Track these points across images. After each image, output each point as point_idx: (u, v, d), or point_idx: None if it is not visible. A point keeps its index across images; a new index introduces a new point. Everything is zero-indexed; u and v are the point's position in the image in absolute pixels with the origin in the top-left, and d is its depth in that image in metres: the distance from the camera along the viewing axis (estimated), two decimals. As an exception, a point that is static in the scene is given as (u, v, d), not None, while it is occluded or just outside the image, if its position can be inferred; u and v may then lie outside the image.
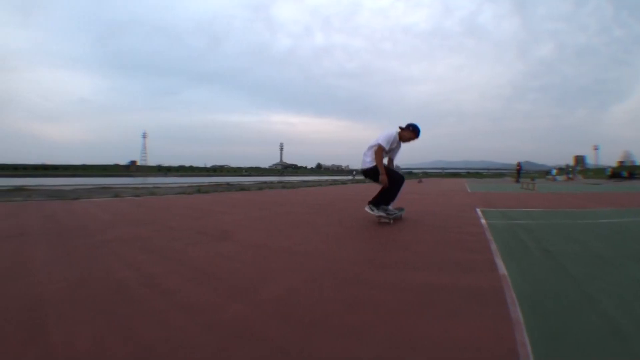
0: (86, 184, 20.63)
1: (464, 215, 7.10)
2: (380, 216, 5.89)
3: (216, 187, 16.67)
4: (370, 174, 5.89)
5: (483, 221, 6.05)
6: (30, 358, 1.74)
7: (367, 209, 5.98)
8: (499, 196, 13.01)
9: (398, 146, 6.08)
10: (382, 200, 5.88)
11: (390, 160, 6.17)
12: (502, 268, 3.11)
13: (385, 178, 5.62)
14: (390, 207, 5.96)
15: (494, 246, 4.00)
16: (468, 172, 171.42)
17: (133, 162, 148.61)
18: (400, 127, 5.96)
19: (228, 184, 20.82)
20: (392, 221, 5.80)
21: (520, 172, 34.71)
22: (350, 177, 44.17)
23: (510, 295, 2.43)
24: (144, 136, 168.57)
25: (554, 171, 53.37)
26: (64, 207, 8.31)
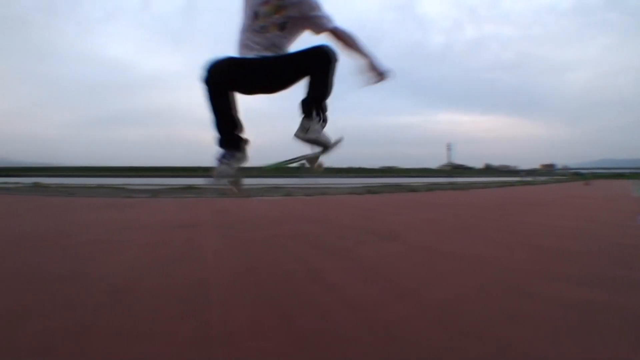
0: (257, 184, 22.41)
1: (633, 224, 6.38)
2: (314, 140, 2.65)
3: (386, 188, 16.83)
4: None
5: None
6: (186, 330, 1.95)
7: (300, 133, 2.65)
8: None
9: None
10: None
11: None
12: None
13: None
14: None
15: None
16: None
17: (302, 164, 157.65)
18: None
19: (397, 184, 20.89)
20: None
21: None
22: (517, 179, 41.07)
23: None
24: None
25: None
26: (236, 204, 9.29)
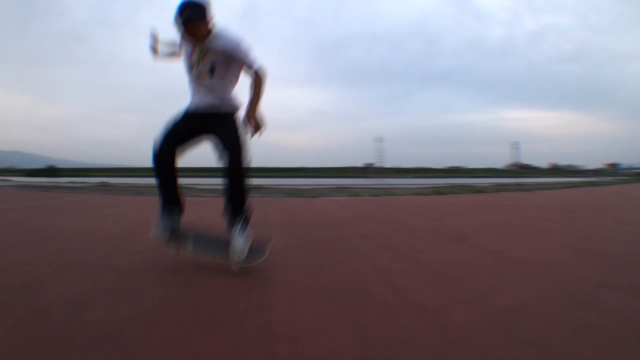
0: (325, 184, 22.62)
1: None
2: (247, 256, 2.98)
3: (453, 189, 16.48)
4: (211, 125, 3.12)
5: None
6: (252, 326, 2.03)
7: (238, 241, 2.95)
8: None
9: (195, 55, 3.04)
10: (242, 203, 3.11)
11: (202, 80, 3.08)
12: None
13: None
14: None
15: None
16: None
17: (370, 165, 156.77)
18: None
19: (464, 185, 20.43)
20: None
21: None
22: (583, 179, 38.86)
23: None
24: (379, 140, 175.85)
25: None
26: (304, 204, 9.52)
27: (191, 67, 3.07)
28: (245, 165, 3.00)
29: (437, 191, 14.67)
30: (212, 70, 3.01)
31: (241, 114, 3.05)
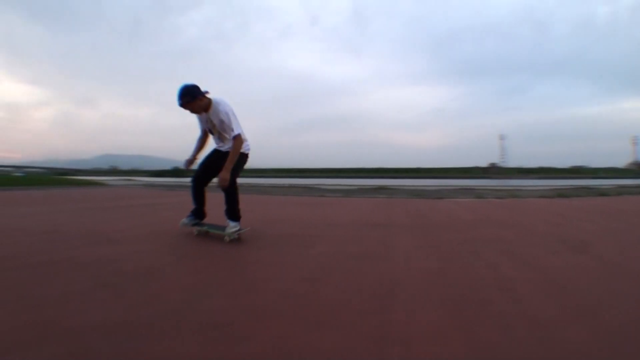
0: (448, 185, 22.04)
1: None
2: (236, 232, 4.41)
3: (576, 191, 15.14)
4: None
5: None
6: (366, 326, 2.07)
7: (232, 231, 4.34)
8: None
9: (207, 122, 4.46)
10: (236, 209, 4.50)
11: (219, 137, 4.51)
12: None
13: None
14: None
15: None
16: None
17: (493, 164, 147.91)
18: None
19: (587, 187, 18.65)
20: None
21: None
22: None
23: None
24: (502, 138, 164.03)
25: None
26: (428, 205, 9.35)
27: (212, 132, 4.48)
28: (231, 184, 4.19)
29: (561, 194, 13.58)
30: (221, 134, 4.33)
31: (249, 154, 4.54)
